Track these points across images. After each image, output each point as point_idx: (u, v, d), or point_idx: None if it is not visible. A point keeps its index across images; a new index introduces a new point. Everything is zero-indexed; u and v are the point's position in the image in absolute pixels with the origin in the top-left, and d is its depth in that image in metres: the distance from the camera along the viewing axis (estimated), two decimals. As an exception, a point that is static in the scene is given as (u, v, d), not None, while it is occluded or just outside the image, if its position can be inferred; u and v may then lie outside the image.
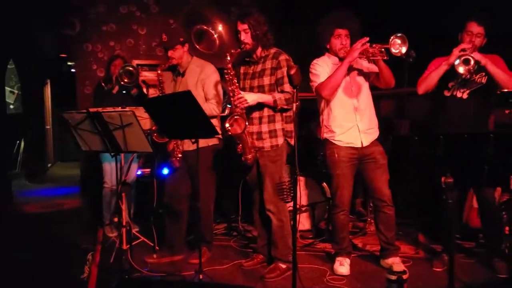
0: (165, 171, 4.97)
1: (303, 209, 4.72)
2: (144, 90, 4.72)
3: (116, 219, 5.12)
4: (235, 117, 3.51)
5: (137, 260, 3.95)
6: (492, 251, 3.74)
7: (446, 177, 2.54)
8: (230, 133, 3.53)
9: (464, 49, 3.42)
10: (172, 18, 5.90)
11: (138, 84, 4.69)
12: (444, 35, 3.78)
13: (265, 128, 3.67)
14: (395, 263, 3.66)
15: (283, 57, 3.63)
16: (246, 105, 3.52)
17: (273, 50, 3.69)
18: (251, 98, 3.55)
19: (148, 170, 5.34)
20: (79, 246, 4.64)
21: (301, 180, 4.78)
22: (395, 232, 3.85)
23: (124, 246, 4.35)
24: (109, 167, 4.85)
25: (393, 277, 2.82)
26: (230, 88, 3.57)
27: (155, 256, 4.15)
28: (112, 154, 3.44)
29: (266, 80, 3.65)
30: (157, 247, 4.30)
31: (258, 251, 4.04)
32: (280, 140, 3.68)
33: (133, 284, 2.91)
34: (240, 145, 3.62)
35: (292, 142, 3.73)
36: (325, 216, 4.75)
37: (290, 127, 3.70)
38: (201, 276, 3.35)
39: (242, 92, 3.55)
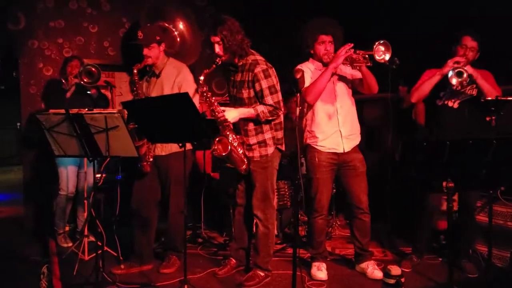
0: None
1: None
2: (107, 90, 4.47)
3: (67, 228, 4.83)
4: (219, 138, 3.44)
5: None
6: (458, 253, 3.91)
7: (447, 182, 2.64)
8: (216, 155, 3.48)
9: (458, 61, 3.57)
10: (125, 17, 5.63)
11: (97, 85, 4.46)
12: (429, 45, 3.92)
13: (253, 140, 3.58)
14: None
15: (258, 69, 3.46)
16: (227, 123, 3.46)
17: (249, 60, 3.53)
18: (232, 116, 3.45)
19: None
20: (25, 259, 4.27)
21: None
22: (369, 238, 3.91)
23: (86, 257, 4.13)
24: (66, 172, 4.55)
25: (392, 281, 2.86)
26: (210, 109, 3.49)
27: (122, 266, 3.92)
28: (90, 159, 3.21)
29: (245, 94, 3.54)
30: (121, 257, 4.08)
31: (230, 255, 3.95)
32: (270, 150, 3.60)
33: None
34: (229, 163, 3.59)
35: (284, 148, 3.73)
36: (292, 221, 4.75)
37: (280, 134, 3.68)
38: (186, 287, 3.21)
39: (221, 108, 3.47)
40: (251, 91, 3.52)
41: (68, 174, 4.56)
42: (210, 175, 5.30)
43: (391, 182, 4.54)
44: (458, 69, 3.51)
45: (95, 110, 2.97)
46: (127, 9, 5.62)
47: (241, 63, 3.56)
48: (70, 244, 4.58)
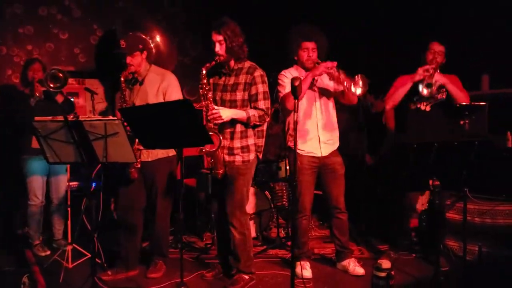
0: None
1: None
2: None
3: (41, 238, 4.71)
4: (210, 133, 3.38)
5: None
6: (431, 249, 4.16)
7: (433, 180, 2.86)
8: (204, 151, 3.48)
9: (427, 69, 3.88)
10: (96, 24, 5.60)
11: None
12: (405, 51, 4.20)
13: (237, 144, 3.60)
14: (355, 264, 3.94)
15: (257, 73, 3.56)
16: (220, 121, 3.45)
17: (247, 64, 3.61)
18: (226, 114, 3.46)
19: (76, 183, 4.98)
20: (-2, 270, 4.16)
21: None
22: (348, 236, 4.12)
23: (70, 265, 4.09)
24: (36, 182, 4.47)
25: (383, 274, 3.05)
26: (204, 103, 3.48)
27: (109, 272, 3.91)
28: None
29: (239, 95, 3.57)
30: (105, 264, 4.07)
31: (220, 263, 4.01)
32: (252, 156, 3.65)
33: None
34: (212, 160, 3.54)
35: (261, 157, 3.79)
36: (270, 224, 4.90)
37: (261, 142, 3.74)
38: (184, 288, 3.28)
39: (216, 107, 3.47)
40: (246, 93, 3.56)
41: (38, 183, 4.48)
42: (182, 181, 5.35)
43: (362, 184, 4.80)
44: (427, 81, 3.85)
45: (96, 117, 3.00)
46: (98, 16, 5.61)
47: (237, 66, 3.61)
48: (48, 253, 4.53)
